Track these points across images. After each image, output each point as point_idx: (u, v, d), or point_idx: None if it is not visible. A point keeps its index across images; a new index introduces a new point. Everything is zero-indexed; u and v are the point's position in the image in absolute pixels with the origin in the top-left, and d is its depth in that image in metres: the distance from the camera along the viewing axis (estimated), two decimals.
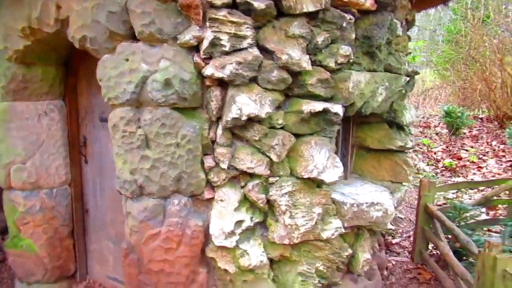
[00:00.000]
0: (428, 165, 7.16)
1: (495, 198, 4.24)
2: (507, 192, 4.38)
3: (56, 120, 3.43)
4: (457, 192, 5.85)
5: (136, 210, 2.65)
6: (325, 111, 2.68)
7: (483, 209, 5.14)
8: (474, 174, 6.57)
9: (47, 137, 3.41)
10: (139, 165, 2.56)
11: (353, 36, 2.76)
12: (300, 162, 2.79)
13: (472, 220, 3.89)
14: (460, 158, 7.35)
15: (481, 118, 11.42)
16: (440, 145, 8.32)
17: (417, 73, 3.76)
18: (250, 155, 2.64)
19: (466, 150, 7.89)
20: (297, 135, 2.81)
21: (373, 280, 3.59)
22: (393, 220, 5.18)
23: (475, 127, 10.13)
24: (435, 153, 7.73)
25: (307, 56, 2.58)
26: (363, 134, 3.71)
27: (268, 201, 2.79)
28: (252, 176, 2.76)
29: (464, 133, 9.28)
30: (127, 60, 2.42)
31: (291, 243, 2.81)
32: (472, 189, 5.75)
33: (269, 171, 2.69)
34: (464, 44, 9.81)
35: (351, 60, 2.85)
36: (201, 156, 2.66)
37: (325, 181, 2.75)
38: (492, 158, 7.33)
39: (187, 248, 2.67)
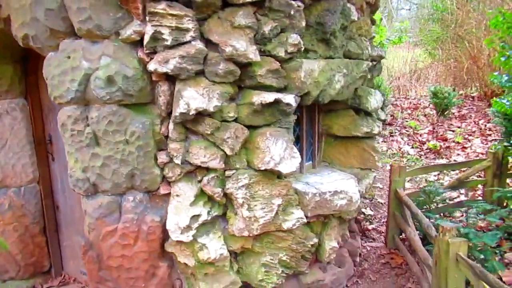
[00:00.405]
0: (413, 147, 7.13)
1: (470, 179, 4.21)
2: (482, 173, 4.36)
3: (18, 119, 3.40)
4: (439, 174, 5.84)
5: (91, 207, 2.65)
6: (277, 102, 2.64)
7: (462, 191, 5.13)
8: (458, 155, 6.54)
9: (10, 136, 3.40)
10: (90, 163, 2.55)
11: (303, 23, 2.70)
12: (257, 154, 2.77)
13: (444, 204, 3.87)
14: (445, 139, 7.30)
15: (473, 97, 11.32)
16: (427, 126, 8.27)
17: (382, 57, 3.70)
18: (203, 149, 2.62)
19: (453, 131, 7.84)
20: (252, 127, 2.78)
21: (344, 267, 3.60)
22: (373, 205, 5.18)
23: (465, 107, 10.05)
24: (420, 135, 7.68)
25: (254, 47, 2.53)
26: (330, 122, 3.68)
27: (226, 195, 2.77)
28: (209, 170, 2.74)
29: (453, 113, 9.21)
30: (68, 57, 2.38)
31: (251, 235, 2.81)
32: (454, 170, 5.73)
33: (223, 165, 2.66)
34: (450, 22, 9.65)
35: (305, 48, 2.79)
36: (154, 152, 2.64)
37: (282, 172, 2.73)
38: (477, 137, 7.28)
39: (145, 244, 2.67)
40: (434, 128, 8.02)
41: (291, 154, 2.81)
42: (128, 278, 2.73)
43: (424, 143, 7.18)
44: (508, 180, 4.57)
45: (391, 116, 9.14)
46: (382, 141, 7.63)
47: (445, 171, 5.86)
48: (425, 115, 9.08)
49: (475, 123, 8.23)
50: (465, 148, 6.80)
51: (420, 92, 12.24)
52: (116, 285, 2.79)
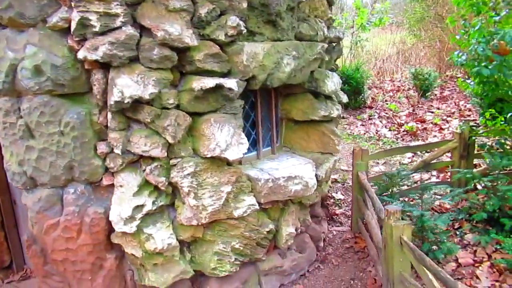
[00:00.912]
0: (390, 130, 7.10)
1: (435, 161, 4.20)
2: (448, 154, 4.34)
3: None
4: (413, 156, 5.83)
5: (31, 201, 2.60)
6: (219, 87, 2.58)
7: (434, 173, 5.12)
8: (435, 136, 6.52)
9: None
10: (25, 156, 2.49)
11: (244, 5, 2.63)
12: (202, 141, 2.73)
13: (408, 187, 3.86)
14: (423, 121, 7.28)
15: (458, 77, 11.28)
16: (407, 109, 8.24)
17: (340, 38, 3.63)
18: (144, 138, 2.56)
19: (432, 112, 7.81)
20: (197, 114, 2.74)
21: (305, 253, 3.60)
22: (344, 189, 5.17)
23: (448, 88, 10.01)
24: (399, 118, 7.65)
25: (191, 31, 2.46)
26: (288, 106, 3.63)
27: (173, 184, 2.74)
28: (154, 159, 2.70)
29: (435, 95, 9.17)
30: None
31: (200, 224, 2.78)
32: (428, 151, 5.71)
33: (165, 154, 2.62)
34: (432, 2, 9.54)
35: (251, 31, 2.74)
36: (94, 142, 2.58)
37: (229, 159, 2.69)
38: (456, 118, 7.27)
39: (88, 236, 2.64)
40: (414, 110, 7.99)
41: (238, 140, 2.77)
42: (75, 271, 2.71)
43: (402, 125, 7.15)
44: (476, 161, 4.56)
45: (372, 99, 9.10)
46: (360, 125, 7.60)
47: (419, 153, 5.85)
48: (407, 97, 9.05)
49: (455, 104, 8.21)
50: (442, 129, 6.78)
51: (405, 75, 12.18)
52: (63, 279, 2.76)
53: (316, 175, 3.46)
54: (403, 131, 6.89)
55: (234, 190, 2.91)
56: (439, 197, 4.27)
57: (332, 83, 3.51)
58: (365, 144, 6.64)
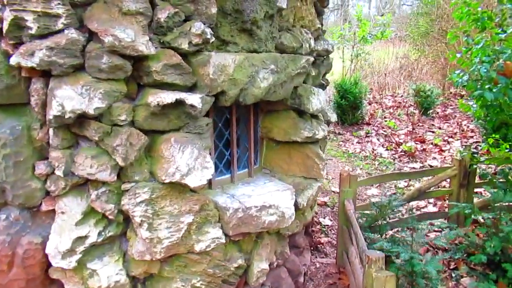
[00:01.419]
0: (387, 149, 6.77)
1: (432, 189, 3.86)
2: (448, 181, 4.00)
3: None
4: (409, 180, 5.48)
5: None
6: (180, 103, 2.26)
7: (432, 200, 4.78)
8: (434, 158, 6.19)
9: None
10: None
11: (213, 10, 2.32)
12: (161, 164, 2.40)
13: (398, 219, 3.51)
14: (423, 141, 6.95)
15: (462, 95, 10.99)
16: (407, 127, 7.91)
17: (329, 51, 3.32)
18: (90, 159, 2.24)
19: (433, 132, 7.49)
20: (158, 132, 2.42)
21: None
22: (333, 214, 4.83)
23: (451, 106, 9.70)
24: (398, 136, 7.33)
25: (147, 37, 2.15)
26: (269, 124, 3.31)
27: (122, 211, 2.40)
28: (104, 183, 2.36)
29: (437, 113, 8.86)
30: None
31: (154, 258, 2.44)
32: (416, 179, 5.37)
33: (115, 177, 2.29)
34: (436, 16, 9.27)
35: (224, 40, 2.44)
36: (32, 162, 2.26)
37: (190, 185, 2.36)
38: (458, 139, 6.94)
39: (21, 270, 2.30)
40: (413, 129, 7.67)
41: (203, 164, 2.44)
42: None
43: (400, 145, 6.82)
44: (477, 189, 4.22)
45: (370, 115, 8.78)
46: (356, 142, 7.27)
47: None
48: (407, 114, 8.73)
49: (457, 124, 7.89)
50: (443, 151, 6.45)
51: (408, 90, 11.89)
52: None
53: (296, 203, 3.13)
54: (401, 151, 6.56)
55: (198, 220, 2.58)
56: (434, 227, 3.93)
57: (317, 100, 3.19)
58: (360, 164, 6.30)
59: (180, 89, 2.39)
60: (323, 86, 3.78)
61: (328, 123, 3.67)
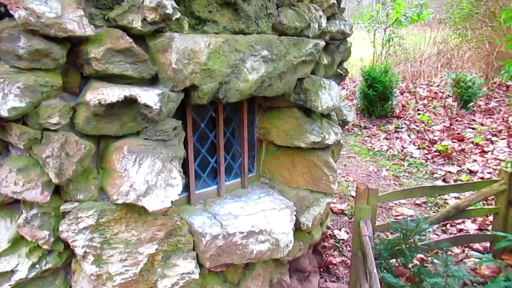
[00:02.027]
0: (419, 148, 6.01)
1: (471, 208, 3.16)
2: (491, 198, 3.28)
3: None
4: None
5: None
6: (132, 101, 1.70)
7: (469, 220, 4.05)
8: (475, 161, 5.40)
9: None
10: None
11: None
12: (112, 180, 1.87)
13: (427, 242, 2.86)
14: (461, 140, 6.13)
15: (508, 86, 9.90)
16: (443, 122, 7.07)
17: (346, 34, 2.66)
18: (15, 173, 1.73)
19: (473, 129, 6.63)
20: (111, 138, 1.88)
21: None
22: (350, 226, 4.19)
23: (495, 98, 8.70)
24: (432, 132, 6.52)
25: (80, 12, 1.58)
26: (268, 124, 2.71)
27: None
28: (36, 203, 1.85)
29: (479, 106, 7.93)
30: None
31: None
32: (450, 194, 4.62)
33: (48, 198, 1.77)
34: None
35: (200, 17, 1.84)
36: None
37: (148, 209, 1.81)
38: (503, 139, 6.08)
39: None
40: (451, 124, 6.83)
41: (167, 180, 1.89)
42: None
43: (434, 143, 6.04)
44: None
45: (402, 106, 7.96)
46: (384, 138, 6.54)
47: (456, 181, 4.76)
48: (444, 107, 7.85)
49: (503, 119, 6.98)
50: (485, 152, 5.63)
51: (445, 79, 10.87)
52: None
53: (298, 223, 2.55)
54: (435, 151, 5.79)
55: (165, 249, 2.05)
56: (475, 253, 3.24)
57: (328, 96, 2.55)
58: (386, 164, 5.59)
59: (137, 82, 1.83)
60: (339, 77, 3.13)
61: (344, 123, 3.02)
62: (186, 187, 2.41)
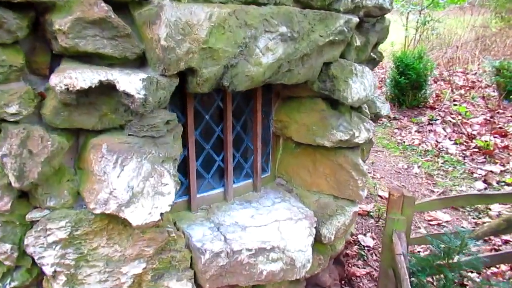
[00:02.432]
0: (456, 143, 5.47)
1: None
2: None
3: None
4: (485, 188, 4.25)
5: None
6: (110, 87, 1.34)
7: None
8: None
9: None
10: None
11: None
12: (91, 184, 1.53)
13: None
14: (504, 135, 5.56)
15: None
16: (483, 114, 6.47)
17: (385, 9, 2.20)
18: None
19: None
20: (89, 133, 1.54)
21: None
22: (378, 229, 3.78)
23: None
24: (471, 126, 5.96)
25: None
26: (286, 117, 2.32)
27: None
28: None
29: None
30: None
31: None
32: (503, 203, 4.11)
33: (9, 205, 1.44)
34: None
35: None
36: None
37: (132, 223, 1.46)
38: None
39: None
40: (492, 117, 6.23)
41: (156, 186, 1.54)
42: None
43: (473, 138, 5.49)
44: None
45: (436, 96, 7.37)
46: (415, 131, 6.01)
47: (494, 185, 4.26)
48: (483, 98, 7.22)
49: None
50: None
51: (484, 67, 10.11)
52: None
53: (319, 234, 2.17)
54: (474, 147, 5.25)
55: (156, 267, 1.72)
56: None
57: (361, 85, 2.12)
58: (418, 160, 5.11)
59: (121, 64, 1.46)
60: (372, 62, 2.68)
61: (377, 117, 2.59)
62: (186, 190, 2.06)
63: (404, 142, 5.72)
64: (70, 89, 1.30)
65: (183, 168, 2.01)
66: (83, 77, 1.30)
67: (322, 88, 2.11)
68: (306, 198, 2.35)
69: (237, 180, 2.27)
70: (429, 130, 6.02)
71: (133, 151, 1.52)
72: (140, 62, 1.52)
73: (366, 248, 3.49)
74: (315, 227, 2.11)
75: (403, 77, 6.58)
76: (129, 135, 1.53)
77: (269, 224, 2.01)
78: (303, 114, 2.25)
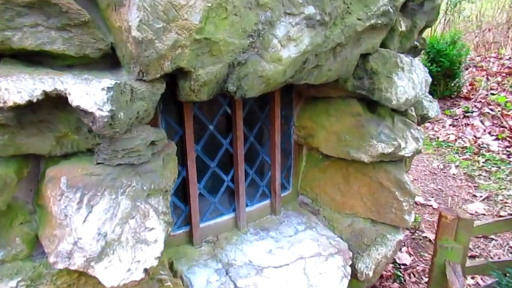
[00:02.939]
0: (497, 139, 4.92)
1: None
2: None
3: None
4: None
5: None
6: (65, 100, 0.92)
7: None
8: None
9: None
10: None
11: None
12: (51, 229, 1.14)
13: None
14: None
15: None
16: None
17: None
18: None
19: None
20: (54, 158, 1.14)
21: None
22: (415, 243, 3.32)
23: None
24: None
25: None
26: (311, 123, 1.88)
27: None
28: None
29: None
30: None
31: None
32: None
33: None
34: None
35: None
36: None
37: (105, 284, 1.06)
38: None
39: None
40: None
41: (138, 232, 1.13)
42: None
43: None
44: None
45: (470, 85, 6.77)
46: (449, 125, 5.47)
47: None
48: None
49: None
50: None
51: None
52: None
53: (355, 270, 1.73)
54: None
55: None
56: None
57: (409, 82, 1.66)
58: (456, 159, 4.59)
59: (81, 65, 1.04)
60: (414, 51, 2.20)
61: (423, 120, 2.12)
62: (187, 219, 1.65)
63: (437, 137, 5.19)
64: (1, 105, 0.89)
65: (182, 192, 1.60)
66: (19, 87, 0.88)
67: (359, 87, 1.66)
68: (337, 223, 1.91)
69: (251, 202, 1.85)
70: (465, 124, 5.46)
71: (104, 186, 1.10)
72: (112, 61, 1.10)
73: (402, 267, 3.04)
74: (350, 267, 1.68)
75: (434, 65, 6.01)
76: (98, 163, 1.11)
77: (292, 264, 1.59)
78: (332, 118, 1.80)
